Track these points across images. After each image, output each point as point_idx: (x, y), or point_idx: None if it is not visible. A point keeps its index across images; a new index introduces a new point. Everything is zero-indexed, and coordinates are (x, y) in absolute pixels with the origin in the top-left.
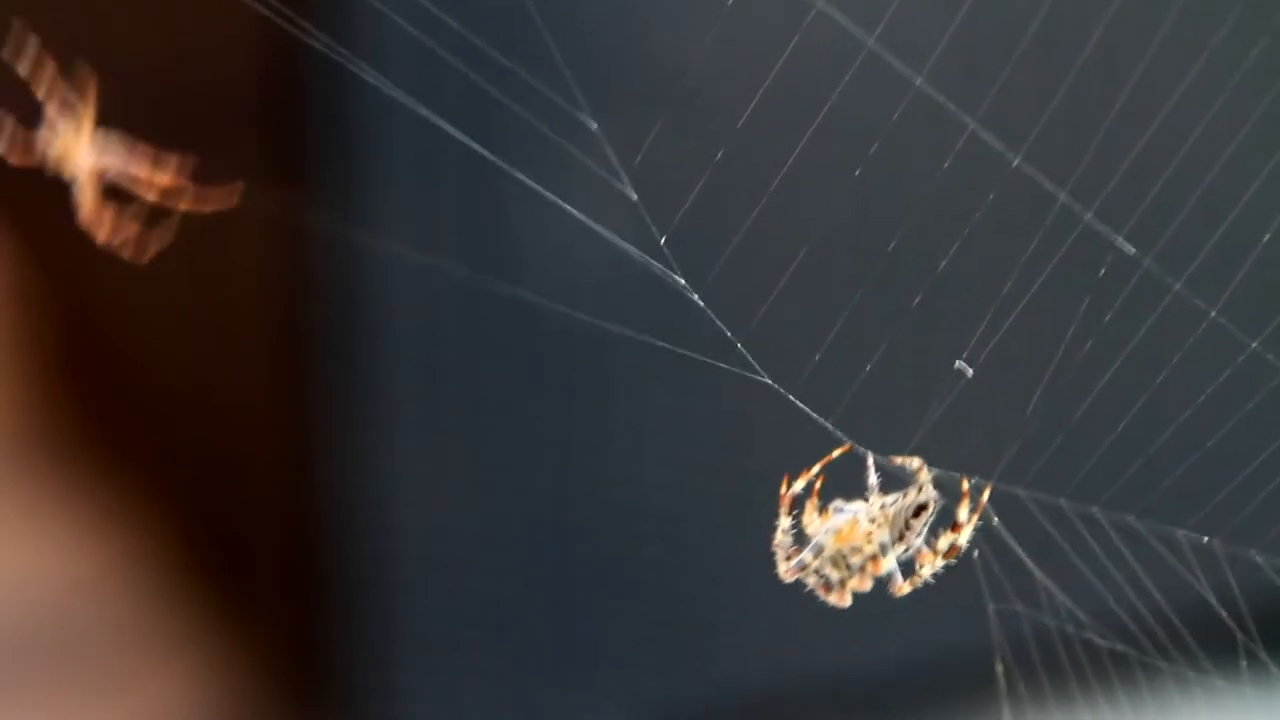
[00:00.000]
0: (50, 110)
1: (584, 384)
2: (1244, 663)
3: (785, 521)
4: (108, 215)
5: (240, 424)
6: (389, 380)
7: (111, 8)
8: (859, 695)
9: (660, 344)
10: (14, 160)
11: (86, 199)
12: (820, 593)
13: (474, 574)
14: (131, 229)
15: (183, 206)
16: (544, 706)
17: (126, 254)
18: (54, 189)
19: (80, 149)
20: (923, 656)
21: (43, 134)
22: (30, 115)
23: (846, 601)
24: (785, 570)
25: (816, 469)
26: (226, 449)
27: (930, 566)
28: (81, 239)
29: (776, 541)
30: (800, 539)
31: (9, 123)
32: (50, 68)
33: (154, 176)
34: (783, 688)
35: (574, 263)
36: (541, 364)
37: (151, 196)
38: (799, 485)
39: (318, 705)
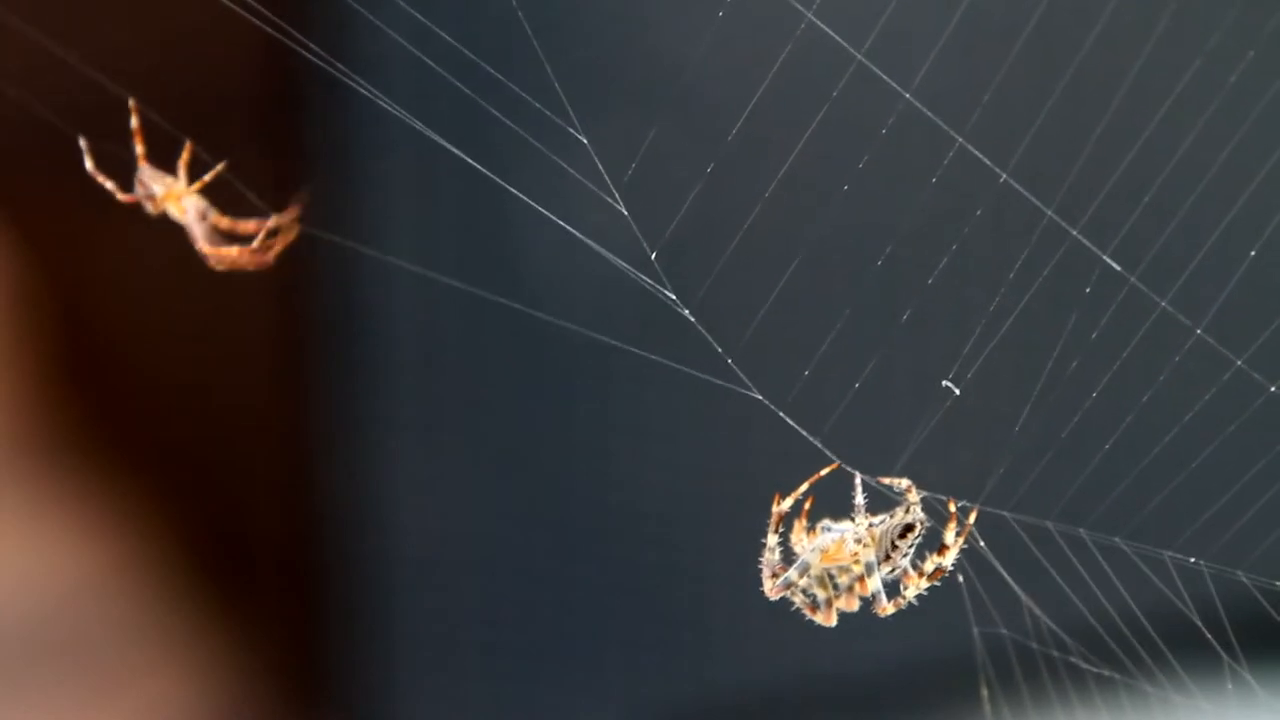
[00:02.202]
0: (143, 159)
1: (583, 387)
2: (1230, 686)
3: (772, 539)
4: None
5: (240, 424)
6: (389, 381)
7: (113, 17)
8: (857, 696)
9: (654, 357)
10: (120, 197)
11: (196, 235)
12: (806, 611)
13: (474, 574)
14: (244, 254)
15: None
16: (544, 707)
17: (250, 266)
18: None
19: (181, 193)
20: (913, 668)
21: (144, 177)
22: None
23: (832, 621)
24: (771, 588)
25: (804, 488)
26: (226, 449)
27: (915, 588)
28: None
29: (763, 559)
30: (788, 557)
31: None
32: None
33: (237, 225)
34: (781, 689)
35: (570, 272)
36: (541, 366)
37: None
38: (787, 503)
39: (318, 705)
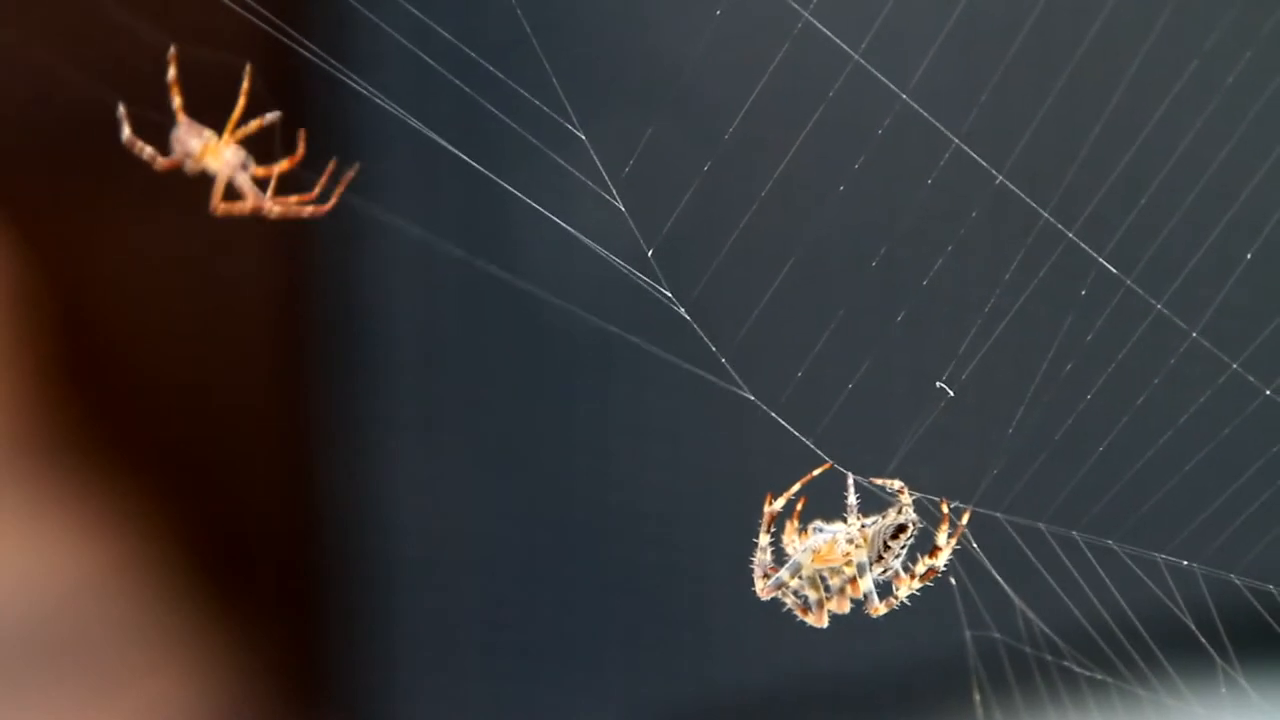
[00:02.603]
0: (182, 116)
1: (583, 386)
2: (1223, 690)
3: (764, 540)
4: (255, 194)
5: (240, 424)
6: (389, 381)
7: (112, 17)
8: (855, 695)
9: (653, 350)
10: (158, 166)
11: (245, 186)
12: (798, 613)
13: (474, 574)
14: (288, 203)
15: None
16: (544, 707)
17: (306, 214)
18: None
19: (221, 147)
20: (906, 671)
21: (180, 133)
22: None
23: (823, 622)
24: (763, 588)
25: (796, 488)
26: (226, 449)
27: (907, 588)
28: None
29: (755, 559)
30: (780, 557)
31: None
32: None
33: (273, 169)
34: (779, 688)
35: (569, 269)
36: (541, 366)
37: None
38: (779, 503)
39: (318, 705)
